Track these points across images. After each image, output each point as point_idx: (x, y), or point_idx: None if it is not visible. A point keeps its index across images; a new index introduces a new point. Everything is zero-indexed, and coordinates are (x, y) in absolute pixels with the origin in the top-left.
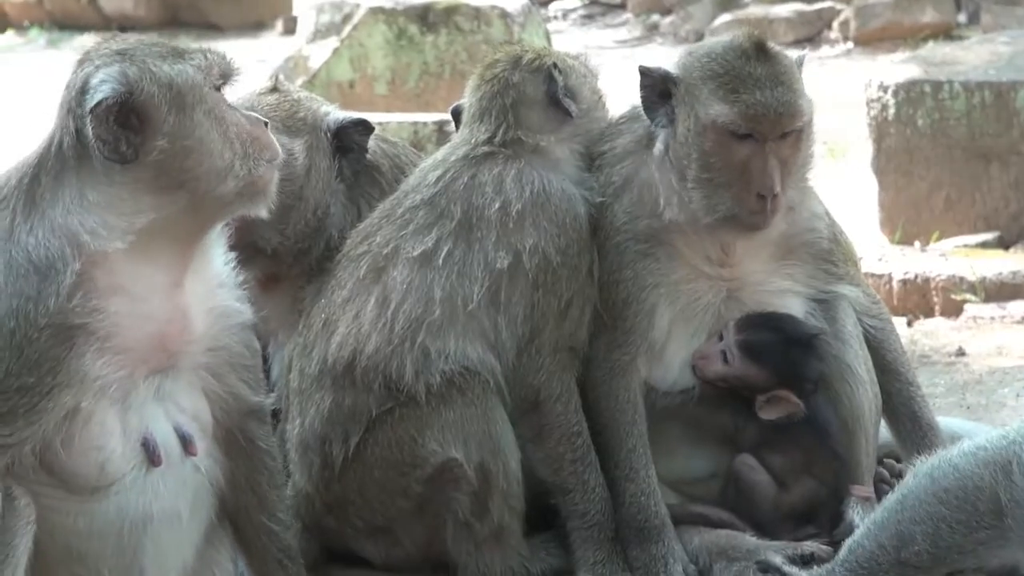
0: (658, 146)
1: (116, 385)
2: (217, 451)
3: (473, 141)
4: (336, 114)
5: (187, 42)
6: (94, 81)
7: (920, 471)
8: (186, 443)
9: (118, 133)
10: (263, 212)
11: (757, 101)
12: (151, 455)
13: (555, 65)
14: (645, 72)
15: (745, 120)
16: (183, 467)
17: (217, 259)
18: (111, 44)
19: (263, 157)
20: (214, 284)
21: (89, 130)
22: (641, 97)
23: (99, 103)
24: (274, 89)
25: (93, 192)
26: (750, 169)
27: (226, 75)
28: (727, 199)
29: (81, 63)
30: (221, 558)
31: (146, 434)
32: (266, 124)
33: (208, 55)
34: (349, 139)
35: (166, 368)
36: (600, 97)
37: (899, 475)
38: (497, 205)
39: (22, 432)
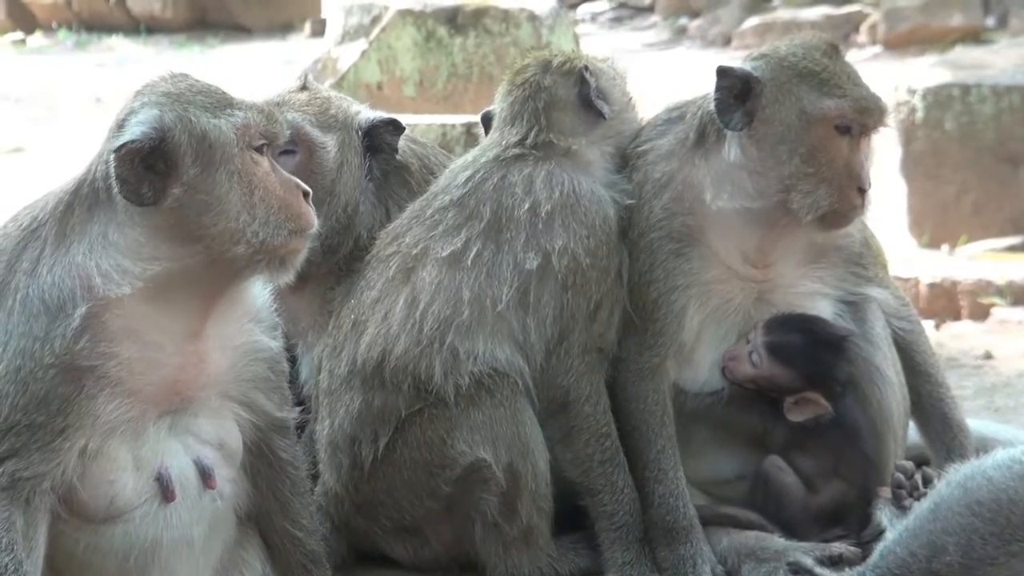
0: (729, 148)
1: (126, 425)
2: (242, 476)
3: (504, 143)
4: (367, 113)
5: (214, 42)
6: (131, 121)
7: (953, 480)
8: (206, 476)
9: (142, 175)
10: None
11: (863, 96)
12: (165, 490)
13: (586, 67)
14: (724, 72)
15: (857, 113)
16: (200, 499)
17: (252, 296)
18: (164, 84)
19: (287, 226)
20: (244, 320)
21: (112, 168)
22: (716, 98)
23: (124, 145)
24: (304, 88)
25: (116, 232)
26: (851, 164)
27: (269, 136)
28: (829, 195)
29: (135, 95)
30: (249, 557)
31: (161, 469)
32: (306, 194)
33: (252, 114)
34: (380, 138)
35: (179, 409)
36: (630, 99)
37: (911, 475)
38: (527, 206)
39: (37, 467)
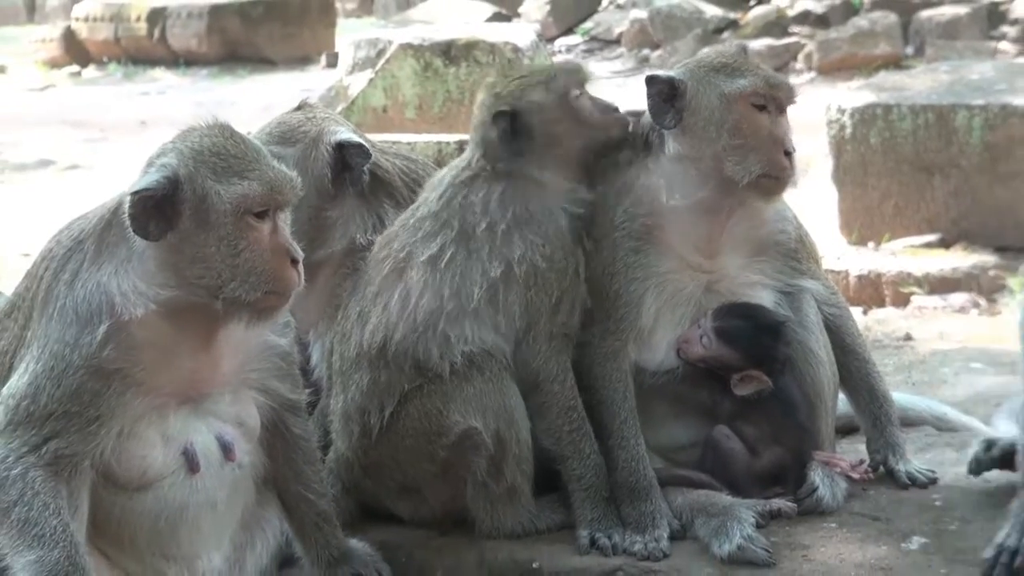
0: (668, 145)
1: (154, 412)
2: (259, 449)
3: (460, 165)
4: (342, 135)
5: (243, 73)
6: (156, 164)
7: None
8: (227, 450)
9: (151, 214)
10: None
11: (770, 75)
12: (190, 463)
13: (503, 112)
14: (653, 79)
15: (768, 87)
16: (222, 469)
17: None
18: (194, 136)
19: (264, 287)
20: None
21: (126, 206)
22: (649, 104)
23: (138, 192)
24: (299, 108)
25: (136, 258)
26: (773, 132)
27: (271, 205)
28: (759, 160)
29: (174, 138)
30: (269, 515)
31: (187, 445)
32: (295, 261)
33: (255, 186)
34: (350, 158)
35: (199, 398)
36: None
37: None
38: (484, 224)
39: (76, 447)
